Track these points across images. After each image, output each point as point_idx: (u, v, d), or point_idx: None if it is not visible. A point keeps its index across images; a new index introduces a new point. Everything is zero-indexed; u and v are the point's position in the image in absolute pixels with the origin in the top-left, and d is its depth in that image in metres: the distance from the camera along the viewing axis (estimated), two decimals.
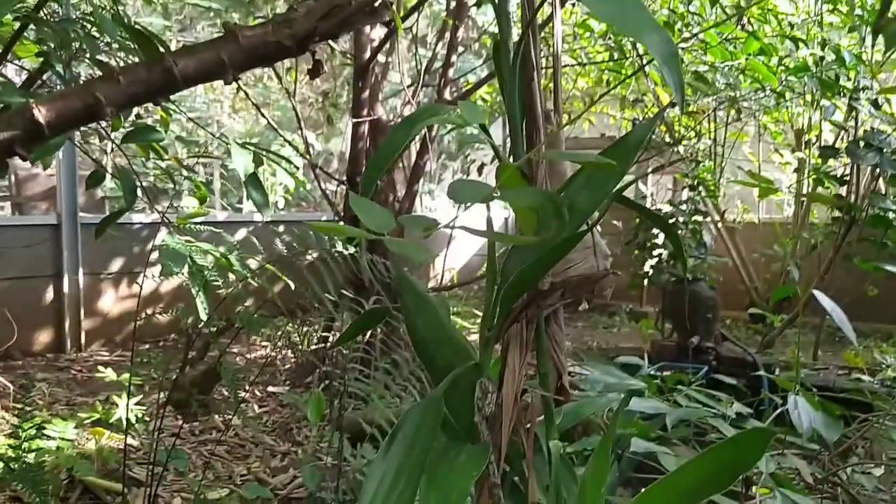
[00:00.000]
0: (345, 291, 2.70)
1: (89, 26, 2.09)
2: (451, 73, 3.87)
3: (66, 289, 4.65)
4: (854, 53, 4.00)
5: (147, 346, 4.80)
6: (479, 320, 5.57)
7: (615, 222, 5.55)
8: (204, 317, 1.74)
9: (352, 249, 2.56)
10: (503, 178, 0.80)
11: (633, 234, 4.71)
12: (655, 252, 4.55)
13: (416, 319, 1.04)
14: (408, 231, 0.80)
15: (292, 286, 2.58)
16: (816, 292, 1.81)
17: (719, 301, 4.26)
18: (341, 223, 3.99)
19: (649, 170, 5.40)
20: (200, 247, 1.82)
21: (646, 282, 4.77)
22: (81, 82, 1.75)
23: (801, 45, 3.98)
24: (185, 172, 2.65)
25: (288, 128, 7.14)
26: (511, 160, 1.13)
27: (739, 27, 3.71)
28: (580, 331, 5.79)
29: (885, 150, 3.73)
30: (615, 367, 2.25)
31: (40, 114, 1.10)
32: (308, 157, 4.16)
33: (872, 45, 3.68)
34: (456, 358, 1.01)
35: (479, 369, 1.00)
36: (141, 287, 2.23)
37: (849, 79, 4.00)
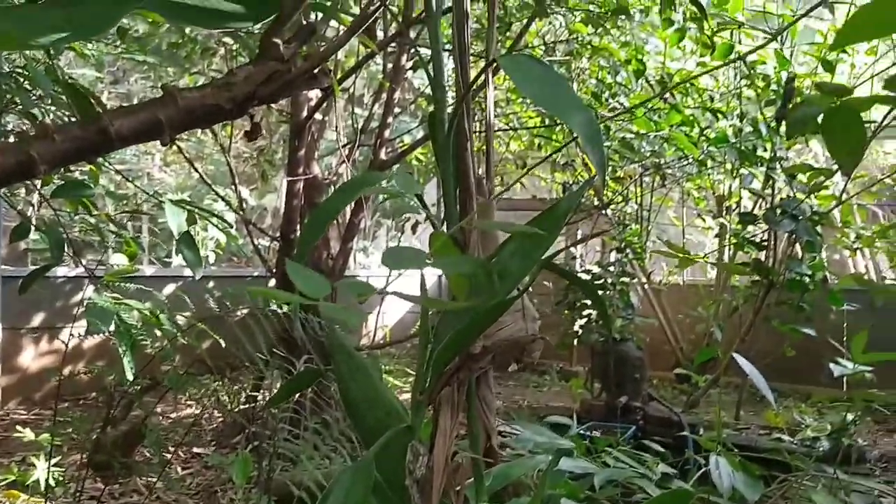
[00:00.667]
0: (276, 350, 2.67)
1: (22, 79, 2.07)
2: (387, 133, 3.93)
3: None
4: (770, 126, 4.24)
5: (67, 404, 4.61)
6: (411, 379, 5.55)
7: (546, 283, 5.65)
8: (130, 376, 1.70)
9: (285, 308, 2.54)
10: (436, 246, 0.83)
11: (563, 294, 4.80)
12: (585, 312, 4.64)
13: (348, 381, 1.05)
14: (342, 294, 0.81)
15: (223, 344, 2.54)
16: (736, 355, 1.88)
17: (646, 361, 4.36)
18: (273, 280, 3.96)
19: (579, 233, 5.54)
20: (128, 304, 1.79)
21: (575, 341, 4.85)
22: (14, 137, 1.73)
23: (720, 116, 4.20)
24: (113, 227, 2.61)
25: (221, 182, 7.09)
26: (445, 227, 1.16)
27: (662, 100, 3.89)
28: (511, 390, 5.81)
29: (800, 218, 3.93)
30: (545, 427, 2.28)
31: None
32: (241, 212, 4.14)
33: (776, 130, 3.90)
34: (388, 419, 1.02)
35: (411, 432, 1.01)
36: (67, 345, 2.17)
37: (765, 149, 4.22)
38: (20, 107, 2.11)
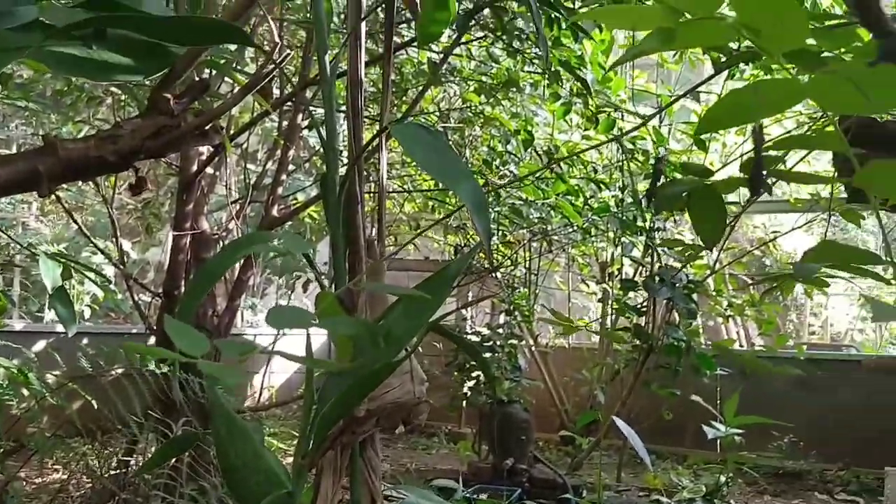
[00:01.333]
0: (152, 412, 2.55)
1: None
2: (280, 190, 3.89)
3: None
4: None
5: None
6: (296, 441, 5.40)
7: (436, 344, 5.67)
8: None
9: (164, 368, 2.44)
10: (322, 306, 0.83)
11: (453, 356, 4.83)
12: (474, 374, 4.67)
13: (227, 446, 1.01)
14: (224, 353, 0.80)
15: (94, 405, 2.41)
16: (616, 418, 1.94)
17: (533, 423, 4.42)
18: (153, 338, 3.80)
19: (470, 295, 5.61)
20: None
21: (464, 403, 4.87)
22: None
23: (603, 187, 4.41)
24: None
25: (102, 234, 6.79)
26: (333, 287, 1.16)
27: (550, 170, 4.06)
28: (399, 452, 5.74)
29: (677, 285, 4.14)
30: (431, 491, 2.26)
31: None
32: (122, 266, 3.97)
33: (647, 207, 4.13)
34: (268, 486, 1.00)
35: (292, 498, 0.99)
36: None
37: (645, 220, 4.45)
38: None
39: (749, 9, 0.66)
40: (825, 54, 0.81)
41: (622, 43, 4.43)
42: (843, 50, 0.88)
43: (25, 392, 2.45)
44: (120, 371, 2.72)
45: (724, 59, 2.20)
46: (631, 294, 4.64)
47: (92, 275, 2.00)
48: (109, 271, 5.85)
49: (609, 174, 4.81)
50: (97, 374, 2.67)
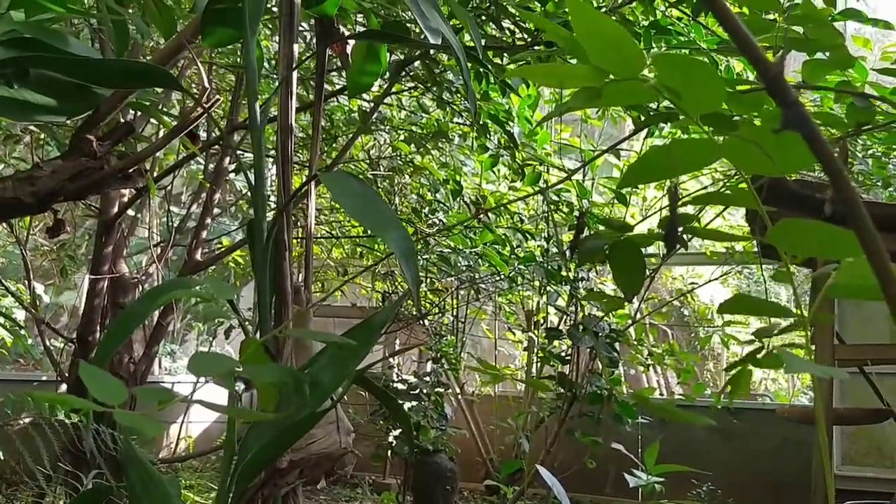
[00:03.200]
0: (61, 463, 2.43)
1: None
2: (204, 234, 3.83)
3: None
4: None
5: None
6: (213, 495, 5.21)
7: (361, 392, 5.60)
8: None
9: (75, 417, 2.34)
10: (247, 353, 0.82)
11: (378, 404, 4.77)
12: (399, 424, 4.62)
13: (142, 500, 0.98)
14: (140, 402, 0.78)
15: (0, 455, 2.28)
16: (540, 467, 1.95)
17: (458, 473, 4.39)
18: (64, 385, 3.64)
19: (397, 342, 5.58)
20: None
21: (389, 453, 4.80)
22: None
23: (529, 237, 4.49)
24: None
25: (13, 276, 6.51)
26: (258, 334, 1.14)
27: (477, 220, 4.11)
28: None
29: (599, 335, 4.21)
30: None
31: None
32: (34, 310, 3.81)
33: (570, 259, 4.23)
34: None
35: None
36: None
37: (569, 269, 4.54)
38: None
39: (671, 72, 0.70)
40: (736, 118, 0.86)
41: (548, 98, 4.57)
42: (754, 114, 0.94)
43: None
44: (27, 420, 2.59)
45: (643, 119, 2.29)
46: (556, 342, 4.70)
47: (1, 319, 1.91)
48: (20, 315, 5.59)
49: (535, 225, 4.90)
50: (3, 424, 2.53)
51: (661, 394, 7.60)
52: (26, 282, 3.99)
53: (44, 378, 5.53)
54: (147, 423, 0.71)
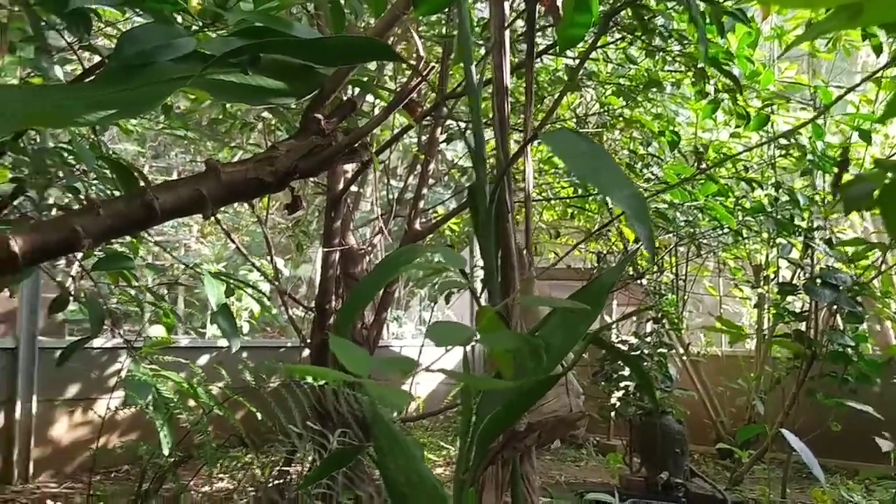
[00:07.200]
0: (309, 422, 2.63)
1: (66, 154, 2.13)
2: (421, 204, 3.95)
3: (17, 416, 4.47)
4: (807, 195, 4.19)
5: (99, 477, 4.57)
6: (444, 452, 5.44)
7: (583, 355, 5.55)
8: (167, 451, 1.68)
9: (321, 380, 2.52)
10: (483, 321, 0.81)
11: (599, 366, 4.71)
12: (622, 384, 4.54)
13: (388, 461, 1.01)
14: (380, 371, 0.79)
15: (259, 416, 2.51)
16: (785, 431, 1.81)
17: (687, 435, 4.24)
18: (307, 350, 3.95)
19: (614, 303, 5.47)
20: (165, 376, 1.78)
21: (613, 414, 4.74)
22: (59, 212, 1.75)
23: (756, 186, 4.17)
24: (151, 298, 2.63)
25: (257, 252, 7.16)
26: (486, 299, 1.14)
27: (699, 170, 3.89)
28: (547, 464, 5.67)
29: (841, 288, 3.85)
30: None
31: (16, 245, 1.09)
32: (276, 283, 4.16)
33: (834, 200, 3.86)
34: (429, 502, 0.99)
35: None
36: (104, 418, 2.16)
37: (803, 219, 4.18)
38: (64, 181, 2.16)
39: None
40: None
41: (768, 35, 4.20)
42: None
43: (193, 404, 2.59)
44: (278, 383, 2.84)
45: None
46: (790, 298, 4.37)
47: (250, 291, 2.09)
48: (265, 288, 6.15)
49: (761, 172, 4.55)
50: (258, 387, 2.79)
51: None
52: (269, 257, 4.35)
53: (288, 344, 6.05)
54: (396, 395, 0.73)
